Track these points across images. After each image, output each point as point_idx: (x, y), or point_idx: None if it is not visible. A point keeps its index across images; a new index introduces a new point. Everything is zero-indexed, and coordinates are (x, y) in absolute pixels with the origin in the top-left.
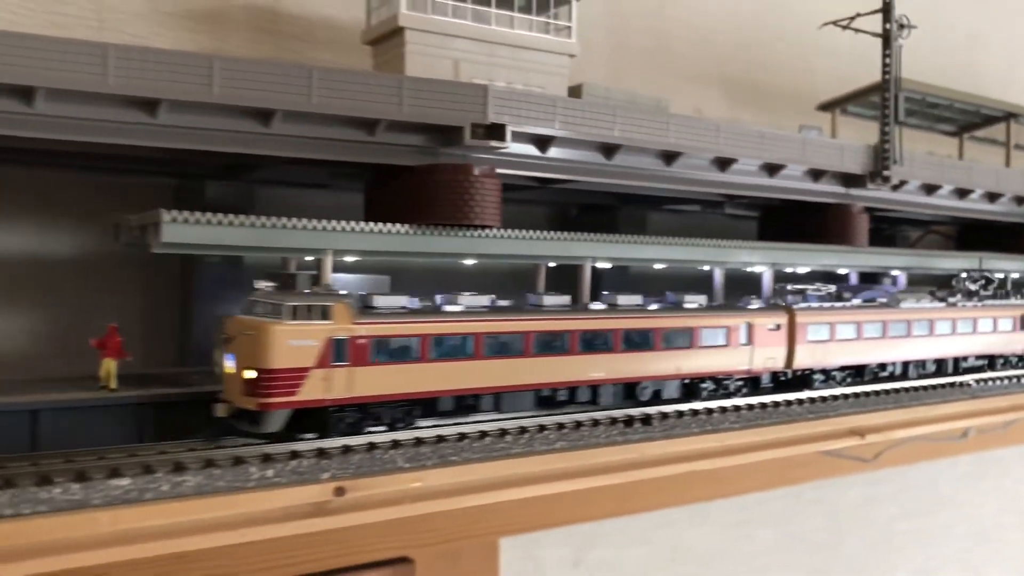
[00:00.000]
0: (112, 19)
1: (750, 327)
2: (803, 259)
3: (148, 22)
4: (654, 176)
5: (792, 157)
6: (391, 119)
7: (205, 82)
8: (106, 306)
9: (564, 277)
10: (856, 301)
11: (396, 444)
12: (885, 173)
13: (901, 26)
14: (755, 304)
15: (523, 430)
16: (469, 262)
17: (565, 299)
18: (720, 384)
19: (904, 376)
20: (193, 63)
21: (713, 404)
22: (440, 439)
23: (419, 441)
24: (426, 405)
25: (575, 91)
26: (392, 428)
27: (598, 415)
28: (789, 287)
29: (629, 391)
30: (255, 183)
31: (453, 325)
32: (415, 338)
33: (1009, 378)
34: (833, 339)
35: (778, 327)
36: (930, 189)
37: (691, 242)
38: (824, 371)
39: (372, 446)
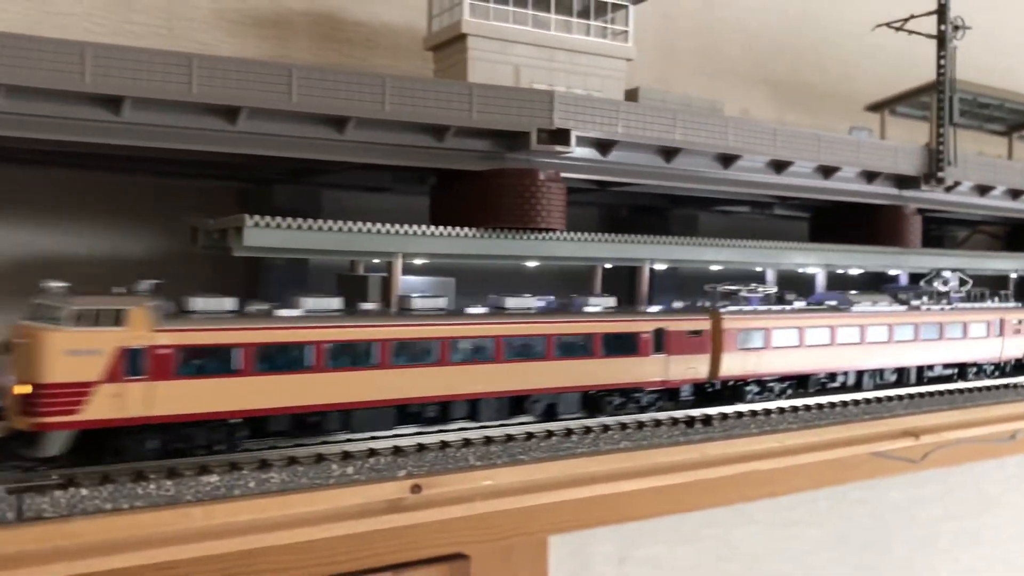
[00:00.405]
0: (181, 27)
1: (662, 333)
2: (857, 260)
3: (215, 29)
4: (712, 179)
5: (847, 159)
6: (461, 125)
7: (284, 90)
8: None
9: (619, 278)
10: (800, 304)
11: (467, 442)
12: (939, 175)
13: (956, 27)
14: (674, 307)
15: (588, 430)
16: (532, 264)
17: (440, 302)
18: (630, 397)
19: (858, 387)
20: (273, 72)
21: (772, 405)
22: (509, 438)
23: (489, 440)
24: (255, 425)
25: (631, 94)
26: (210, 452)
27: (660, 416)
28: (720, 288)
29: (517, 405)
30: (321, 187)
31: (286, 333)
32: (236, 347)
33: None
34: (768, 346)
35: (699, 333)
36: (983, 190)
37: (747, 244)
38: (759, 382)
39: (444, 444)
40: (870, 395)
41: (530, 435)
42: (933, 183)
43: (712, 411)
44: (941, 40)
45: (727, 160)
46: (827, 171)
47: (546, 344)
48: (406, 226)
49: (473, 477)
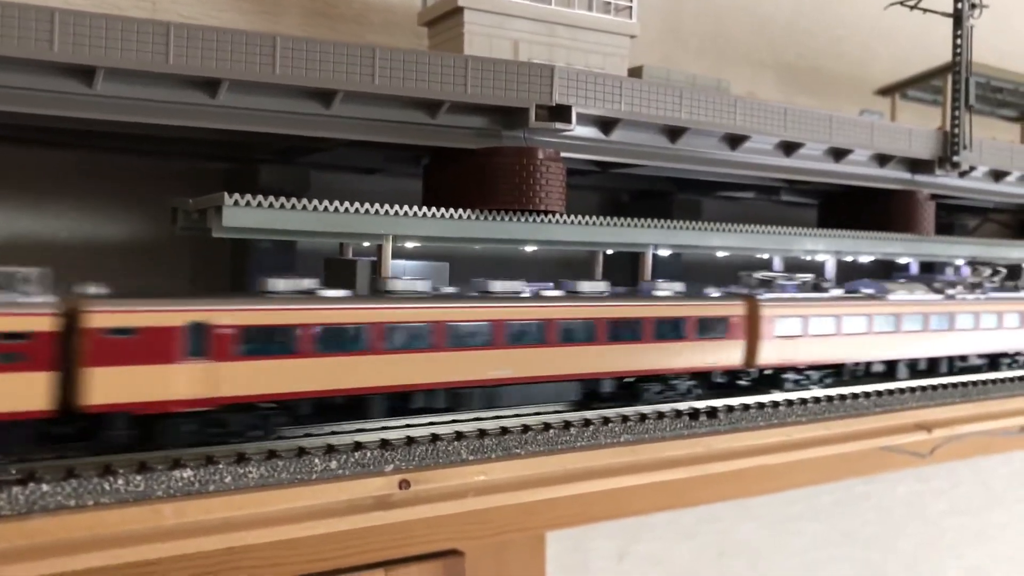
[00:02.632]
0: (165, 0)
1: None
2: (869, 247)
3: (201, 3)
4: (718, 160)
5: (860, 142)
6: (454, 100)
7: (267, 62)
8: None
9: (619, 264)
10: None
11: (460, 436)
12: (955, 159)
13: (972, 5)
14: None
15: (587, 422)
16: (530, 249)
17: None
18: None
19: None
20: (255, 42)
21: (779, 397)
22: (504, 431)
23: (483, 433)
24: None
25: (635, 73)
26: None
27: (663, 408)
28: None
29: None
30: (310, 167)
31: None
32: None
33: None
34: None
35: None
36: (998, 176)
37: (754, 229)
38: None
39: (435, 437)
40: (881, 387)
41: (526, 428)
42: (948, 167)
43: (718, 403)
44: (958, 19)
45: (735, 141)
46: (838, 154)
47: None
48: (396, 207)
49: (465, 472)
